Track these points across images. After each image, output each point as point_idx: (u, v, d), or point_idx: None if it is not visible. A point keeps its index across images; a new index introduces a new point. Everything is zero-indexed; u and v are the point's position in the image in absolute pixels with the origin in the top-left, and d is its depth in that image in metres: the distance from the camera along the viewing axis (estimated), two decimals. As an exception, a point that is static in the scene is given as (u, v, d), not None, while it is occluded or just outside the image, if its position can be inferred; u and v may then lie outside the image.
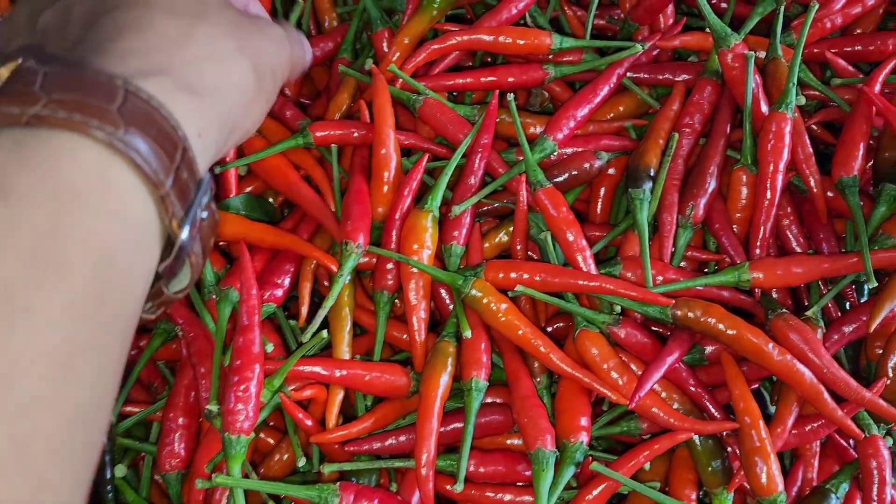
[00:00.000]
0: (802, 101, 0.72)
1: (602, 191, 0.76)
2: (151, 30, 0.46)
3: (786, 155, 0.70)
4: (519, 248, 0.71)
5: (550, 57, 0.76)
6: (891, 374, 0.68)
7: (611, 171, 0.76)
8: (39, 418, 0.34)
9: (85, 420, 0.37)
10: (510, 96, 0.71)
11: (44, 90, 0.39)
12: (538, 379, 0.68)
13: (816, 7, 0.72)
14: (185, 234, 0.43)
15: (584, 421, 0.65)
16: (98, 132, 0.39)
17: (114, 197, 0.39)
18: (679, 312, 0.66)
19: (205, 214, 0.45)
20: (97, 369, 0.38)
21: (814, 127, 0.77)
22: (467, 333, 0.65)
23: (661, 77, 0.77)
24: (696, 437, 0.66)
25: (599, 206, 0.76)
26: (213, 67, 0.48)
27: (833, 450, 0.70)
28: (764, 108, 0.72)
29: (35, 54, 0.42)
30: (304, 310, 0.69)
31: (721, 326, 0.65)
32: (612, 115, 0.78)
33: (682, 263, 0.73)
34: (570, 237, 0.68)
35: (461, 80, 0.74)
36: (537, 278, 0.67)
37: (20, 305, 0.35)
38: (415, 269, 0.68)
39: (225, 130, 0.49)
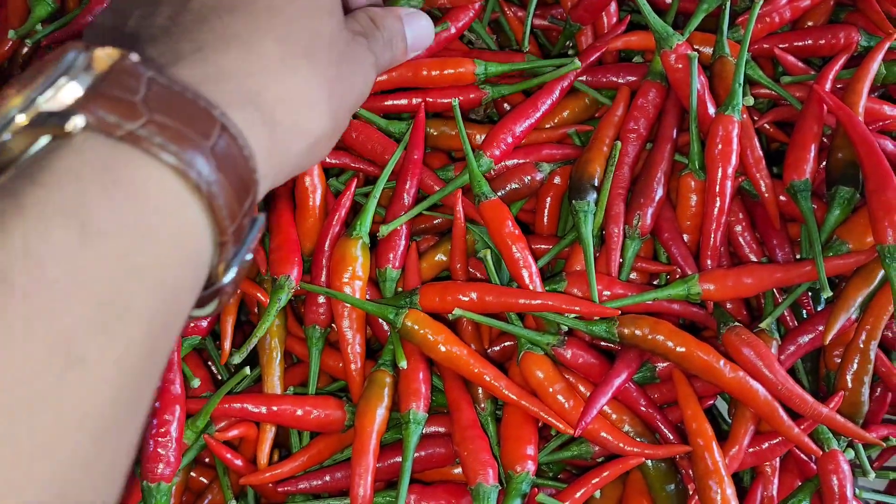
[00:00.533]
0: (751, 101, 0.69)
1: (548, 201, 0.72)
2: (256, 52, 0.44)
3: (734, 159, 0.66)
4: (458, 267, 0.67)
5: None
6: (849, 385, 0.65)
7: (556, 179, 0.72)
8: (79, 479, 0.32)
9: (117, 472, 0.35)
10: (455, 101, 0.67)
11: (146, 105, 0.36)
12: (482, 405, 0.64)
13: (762, 1, 0.68)
14: (228, 278, 0.40)
15: (530, 449, 0.61)
16: (192, 172, 0.36)
17: (186, 241, 0.37)
18: (626, 331, 0.62)
19: (249, 256, 0.42)
20: (135, 425, 0.36)
21: (767, 126, 0.74)
22: (402, 364, 0.61)
23: (604, 80, 0.74)
24: (648, 462, 0.63)
25: (546, 217, 0.73)
26: (300, 110, 0.46)
27: (794, 465, 0.68)
28: (711, 109, 0.69)
29: (133, 45, 0.39)
30: (227, 345, 0.65)
31: (670, 344, 0.62)
32: (555, 121, 0.74)
33: (634, 276, 0.70)
34: (516, 252, 0.64)
35: (395, 102, 0.70)
36: (476, 299, 0.63)
37: (76, 356, 0.32)
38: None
39: (286, 171, 0.47)
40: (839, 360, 0.67)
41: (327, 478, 0.63)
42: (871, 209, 0.63)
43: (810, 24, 0.77)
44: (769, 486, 0.66)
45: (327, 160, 0.70)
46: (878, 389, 0.71)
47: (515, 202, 0.71)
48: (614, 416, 0.64)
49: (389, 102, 0.70)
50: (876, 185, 0.63)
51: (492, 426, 0.64)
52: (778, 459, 0.66)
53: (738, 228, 0.70)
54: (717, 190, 0.66)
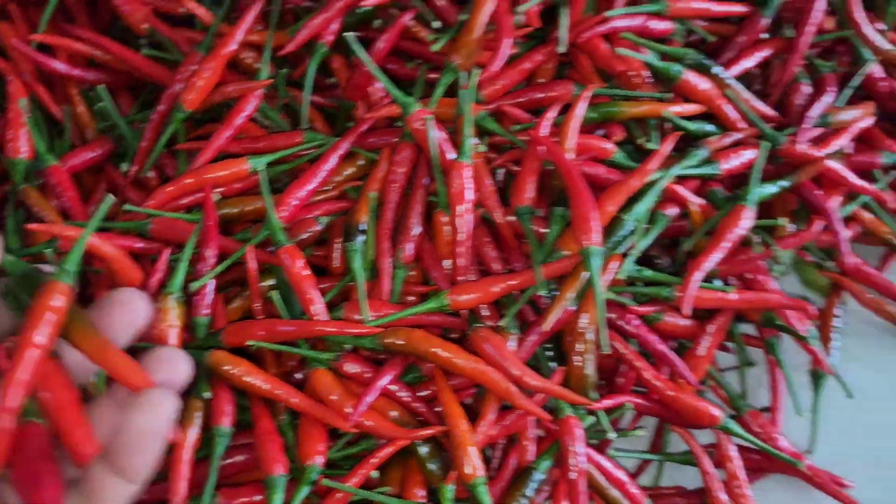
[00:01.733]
0: (483, 148, 0.87)
1: (335, 244, 0.88)
2: None
3: (469, 196, 0.83)
4: (257, 306, 0.83)
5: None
6: (575, 363, 0.82)
7: (343, 228, 0.89)
8: None
9: None
10: (261, 167, 0.84)
11: None
12: (281, 417, 0.79)
13: (477, 73, 0.87)
14: None
15: (320, 447, 0.76)
16: None
17: None
18: (387, 340, 0.78)
19: None
20: None
21: (511, 165, 0.91)
22: (207, 395, 0.76)
23: (374, 142, 0.91)
24: (417, 444, 0.78)
25: (336, 258, 0.88)
26: None
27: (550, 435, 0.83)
28: (451, 157, 0.86)
29: None
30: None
31: (421, 347, 0.78)
32: (338, 178, 0.91)
33: (411, 298, 0.86)
34: (305, 290, 0.80)
35: (174, 188, 0.87)
36: (269, 332, 0.79)
37: None
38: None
39: None
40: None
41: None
42: (573, 222, 0.81)
43: (541, 80, 0.96)
44: (525, 454, 0.81)
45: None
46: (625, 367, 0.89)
47: (306, 248, 0.87)
48: (392, 412, 0.79)
49: (184, 201, 0.87)
50: (576, 203, 0.81)
51: (290, 433, 0.79)
52: (534, 431, 0.82)
53: (487, 248, 0.87)
54: (458, 222, 0.83)
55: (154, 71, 0.94)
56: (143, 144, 0.91)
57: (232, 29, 0.90)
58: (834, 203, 0.95)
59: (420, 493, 0.77)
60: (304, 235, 0.86)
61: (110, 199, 0.61)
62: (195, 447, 0.75)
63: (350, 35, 0.85)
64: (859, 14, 1.05)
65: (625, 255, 0.84)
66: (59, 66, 0.93)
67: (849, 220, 1.00)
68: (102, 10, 1.01)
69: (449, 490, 0.77)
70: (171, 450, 0.74)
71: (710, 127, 0.96)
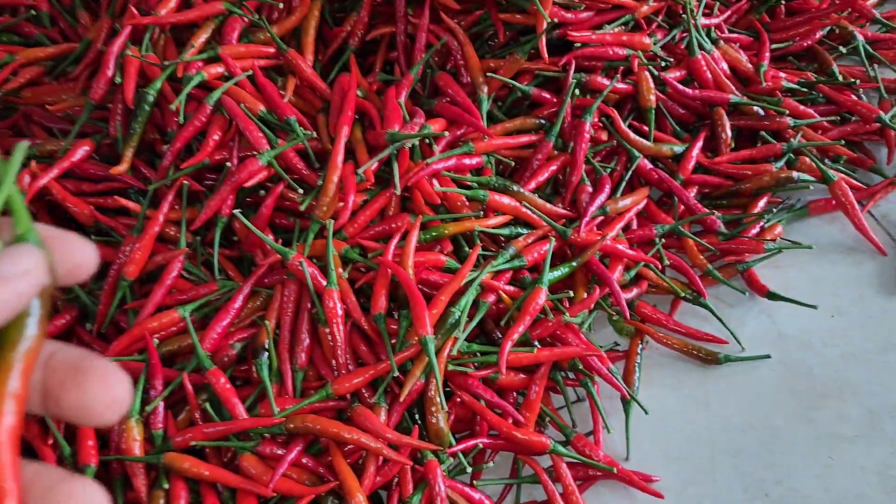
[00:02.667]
0: (345, 274, 1.19)
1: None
2: None
3: (339, 311, 1.15)
4: (197, 416, 1.13)
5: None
6: (433, 420, 1.12)
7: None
8: None
9: None
10: (186, 314, 1.16)
11: None
12: (224, 494, 1.09)
13: (331, 223, 1.20)
14: None
15: (251, 510, 1.05)
16: None
17: None
18: (290, 426, 1.09)
19: None
20: None
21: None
22: (166, 486, 1.06)
23: (268, 281, 1.24)
24: (322, 498, 1.08)
25: (254, 370, 1.19)
26: None
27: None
28: (324, 284, 1.18)
29: None
30: None
31: (316, 427, 1.08)
32: (246, 311, 1.23)
33: (311, 392, 1.16)
34: (229, 399, 1.11)
35: (127, 338, 1.17)
36: (206, 434, 1.09)
37: None
38: None
39: None
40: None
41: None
42: (412, 320, 1.13)
43: (391, 213, 1.30)
44: (405, 491, 1.11)
45: None
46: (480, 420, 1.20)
47: (229, 367, 1.18)
48: (302, 476, 1.09)
49: (136, 346, 1.18)
50: (413, 306, 1.14)
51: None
52: (406, 475, 1.12)
53: (360, 346, 1.18)
54: (334, 331, 1.15)
55: (103, 252, 1.26)
56: (101, 308, 1.22)
57: (155, 213, 1.24)
58: (615, 272, 1.29)
59: (328, 534, 1.07)
60: (225, 359, 1.17)
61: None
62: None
63: (237, 212, 1.19)
64: (622, 126, 1.42)
65: (456, 338, 1.16)
66: (31, 259, 1.25)
67: (639, 278, 1.34)
68: (56, 210, 1.34)
69: (345, 526, 1.06)
70: (143, 530, 1.03)
71: (521, 229, 1.31)
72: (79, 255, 0.46)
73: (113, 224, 1.27)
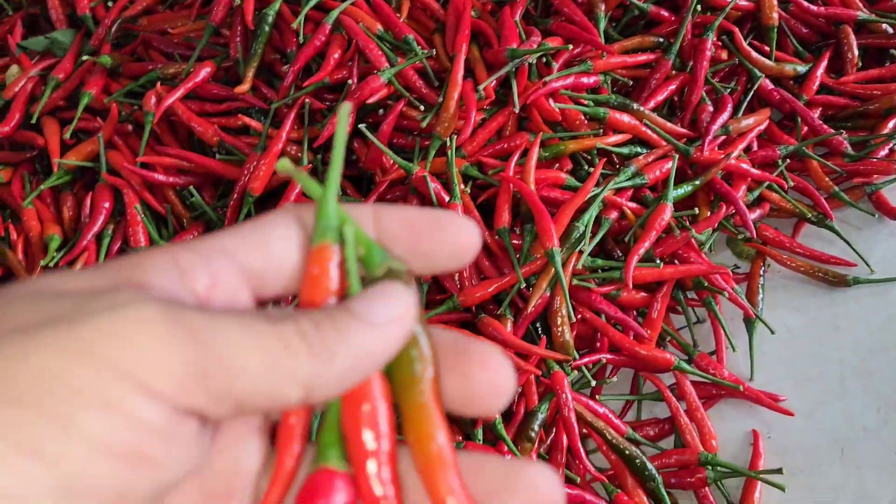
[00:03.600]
0: (468, 190, 1.19)
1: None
2: None
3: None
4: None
5: None
6: (557, 332, 1.12)
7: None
8: None
9: None
10: None
11: None
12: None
13: (453, 138, 1.20)
14: None
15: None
16: None
17: None
18: (419, 335, 1.10)
19: None
20: None
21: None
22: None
23: (389, 198, 1.24)
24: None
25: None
26: None
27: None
28: (447, 199, 1.19)
29: None
30: None
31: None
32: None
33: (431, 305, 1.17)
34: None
35: None
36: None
37: None
38: None
39: None
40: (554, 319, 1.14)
41: None
42: (538, 233, 1.13)
43: (507, 133, 1.29)
44: (530, 401, 1.11)
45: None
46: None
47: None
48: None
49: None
50: (538, 220, 1.13)
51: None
52: (531, 386, 1.12)
53: (483, 261, 1.18)
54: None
55: (227, 170, 1.29)
56: (226, 224, 1.25)
57: (277, 132, 1.25)
58: (739, 192, 1.26)
59: (458, 437, 1.08)
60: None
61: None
62: None
63: (362, 126, 1.19)
64: (744, 44, 1.37)
65: (581, 252, 1.15)
66: (159, 176, 1.29)
67: (761, 200, 1.30)
68: (180, 130, 1.37)
69: (478, 433, 1.07)
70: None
71: (639, 149, 1.28)
72: (464, 237, 0.43)
73: (236, 143, 1.29)
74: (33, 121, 1.36)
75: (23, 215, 1.31)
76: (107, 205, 1.29)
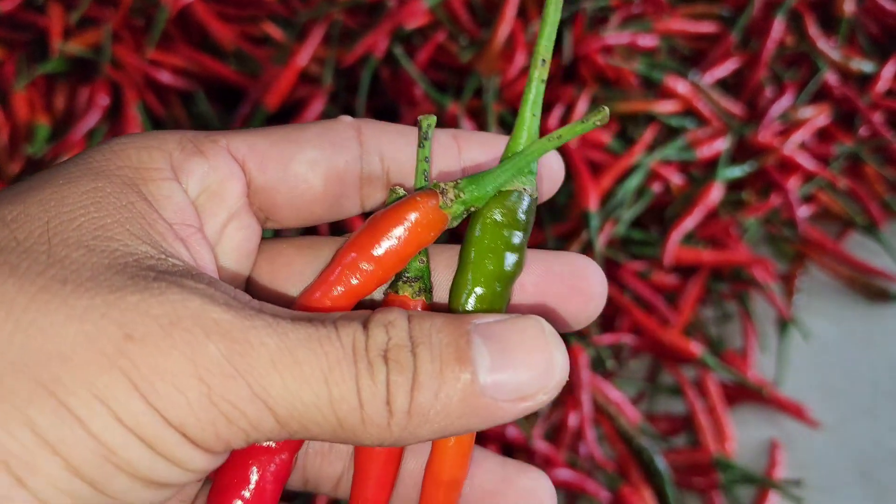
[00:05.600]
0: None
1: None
2: None
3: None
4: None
5: None
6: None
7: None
8: None
9: None
10: None
11: None
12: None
13: (495, 80, 1.09)
14: None
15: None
16: None
17: None
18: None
19: None
20: None
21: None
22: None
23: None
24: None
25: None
26: None
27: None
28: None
29: None
30: None
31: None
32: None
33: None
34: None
35: None
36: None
37: None
38: None
39: None
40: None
41: None
42: (576, 193, 1.02)
43: (553, 84, 1.18)
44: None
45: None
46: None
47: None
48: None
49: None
50: (577, 180, 1.03)
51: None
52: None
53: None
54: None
55: (240, 80, 1.17)
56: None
57: (302, 45, 1.14)
58: (792, 183, 1.16)
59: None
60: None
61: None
62: None
63: (398, 50, 1.08)
64: (814, 31, 1.27)
65: (616, 221, 1.05)
66: (165, 77, 1.17)
67: (810, 199, 1.21)
68: (194, 34, 1.25)
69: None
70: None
71: (689, 123, 1.18)
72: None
73: (255, 52, 1.18)
74: (39, 2, 1.24)
75: (12, 99, 1.19)
76: (105, 101, 1.17)
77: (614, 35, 1.15)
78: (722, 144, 1.14)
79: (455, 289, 0.40)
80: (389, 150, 0.43)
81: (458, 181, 0.40)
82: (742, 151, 1.18)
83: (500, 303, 0.40)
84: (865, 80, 1.30)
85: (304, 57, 1.13)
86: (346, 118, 0.44)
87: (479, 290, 0.39)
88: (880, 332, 1.16)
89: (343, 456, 0.43)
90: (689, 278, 1.10)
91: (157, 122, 1.20)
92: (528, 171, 0.41)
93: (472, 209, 0.41)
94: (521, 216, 0.40)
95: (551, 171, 0.45)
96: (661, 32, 1.20)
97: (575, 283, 0.42)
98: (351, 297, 0.39)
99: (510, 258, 0.40)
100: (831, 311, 1.18)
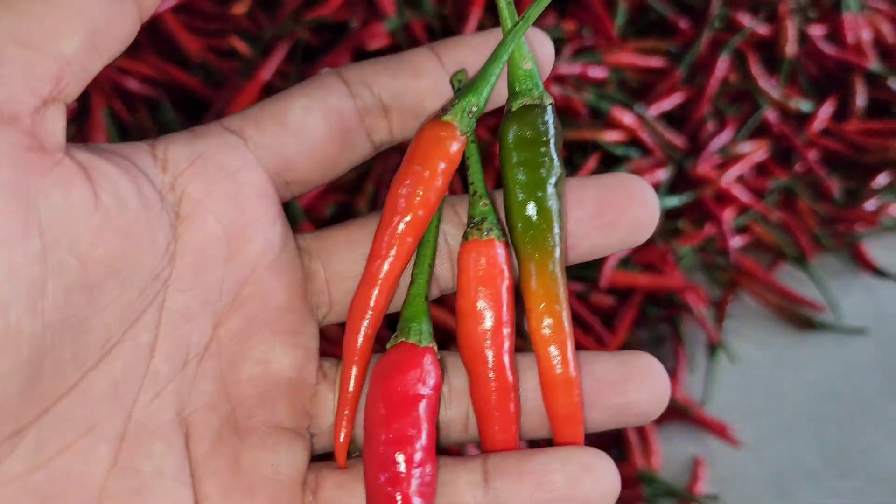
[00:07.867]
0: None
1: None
2: None
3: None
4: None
5: None
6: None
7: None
8: None
9: None
10: None
11: None
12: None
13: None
14: None
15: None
16: None
17: None
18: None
19: None
20: None
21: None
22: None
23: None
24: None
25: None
26: None
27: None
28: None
29: None
30: None
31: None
32: (344, 180, 1.18)
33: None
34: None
35: None
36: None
37: None
38: None
39: None
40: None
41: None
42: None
43: (504, 111, 1.24)
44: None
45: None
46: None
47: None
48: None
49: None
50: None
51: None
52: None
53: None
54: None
55: (206, 91, 1.21)
56: (194, 147, 1.18)
57: (267, 60, 1.18)
58: (727, 214, 1.23)
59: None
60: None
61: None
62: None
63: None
64: (757, 70, 1.35)
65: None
66: (133, 84, 1.21)
67: (744, 230, 1.28)
68: (162, 40, 1.29)
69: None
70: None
71: (633, 152, 1.24)
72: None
73: (220, 65, 1.22)
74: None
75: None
76: (71, 105, 1.20)
77: (566, 66, 1.21)
78: (662, 175, 1.20)
79: (508, 212, 0.45)
80: (373, 79, 0.45)
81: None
82: (682, 182, 1.25)
83: (548, 211, 0.44)
84: (803, 119, 1.37)
85: (268, 71, 1.18)
86: (324, 69, 0.47)
87: (530, 207, 0.44)
88: (805, 359, 1.23)
89: (463, 395, 0.47)
90: (625, 300, 1.16)
91: (123, 129, 1.23)
92: (531, 83, 0.45)
93: (475, 109, 0.44)
94: (542, 126, 0.44)
95: (542, 48, 0.47)
96: (611, 65, 1.26)
97: (631, 189, 0.46)
98: (411, 233, 0.44)
99: (546, 165, 0.44)
100: (759, 337, 1.25)
